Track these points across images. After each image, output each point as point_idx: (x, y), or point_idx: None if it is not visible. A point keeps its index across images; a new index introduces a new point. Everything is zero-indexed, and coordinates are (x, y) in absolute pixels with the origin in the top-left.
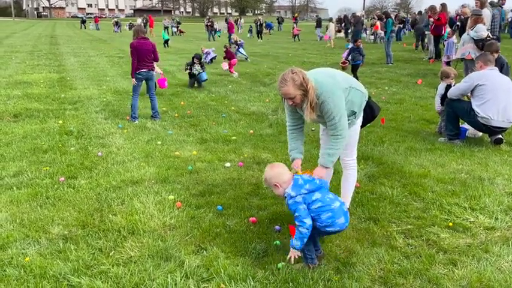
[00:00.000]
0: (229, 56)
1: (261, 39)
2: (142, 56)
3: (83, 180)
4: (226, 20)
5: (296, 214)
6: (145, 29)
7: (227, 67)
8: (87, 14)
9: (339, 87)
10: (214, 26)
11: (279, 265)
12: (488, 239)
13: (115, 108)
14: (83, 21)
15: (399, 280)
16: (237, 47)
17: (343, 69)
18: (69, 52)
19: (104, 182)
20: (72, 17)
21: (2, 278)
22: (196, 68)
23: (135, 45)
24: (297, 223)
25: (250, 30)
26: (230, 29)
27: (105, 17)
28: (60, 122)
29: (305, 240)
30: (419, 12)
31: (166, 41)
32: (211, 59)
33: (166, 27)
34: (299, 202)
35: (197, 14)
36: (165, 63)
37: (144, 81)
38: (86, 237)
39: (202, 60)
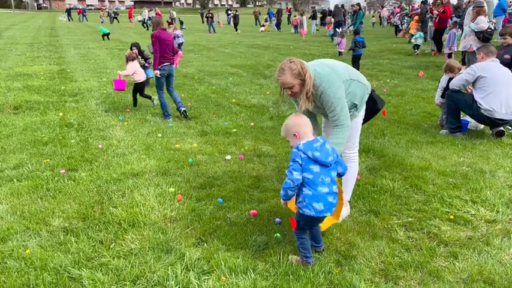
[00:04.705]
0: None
1: (238, 30)
2: (165, 47)
3: (84, 172)
4: (226, 12)
5: (291, 163)
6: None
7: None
8: (88, 5)
9: (338, 78)
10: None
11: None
12: (489, 231)
13: (115, 101)
14: (69, 13)
15: (400, 273)
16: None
17: (340, 54)
18: (69, 44)
19: (105, 174)
20: (71, 8)
21: (3, 270)
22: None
23: (158, 35)
24: (286, 172)
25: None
26: None
27: (105, 9)
28: (61, 114)
29: (289, 193)
30: (424, 2)
31: (105, 34)
32: (179, 44)
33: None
34: (299, 157)
35: (198, 6)
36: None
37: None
38: (86, 229)
39: (146, 51)
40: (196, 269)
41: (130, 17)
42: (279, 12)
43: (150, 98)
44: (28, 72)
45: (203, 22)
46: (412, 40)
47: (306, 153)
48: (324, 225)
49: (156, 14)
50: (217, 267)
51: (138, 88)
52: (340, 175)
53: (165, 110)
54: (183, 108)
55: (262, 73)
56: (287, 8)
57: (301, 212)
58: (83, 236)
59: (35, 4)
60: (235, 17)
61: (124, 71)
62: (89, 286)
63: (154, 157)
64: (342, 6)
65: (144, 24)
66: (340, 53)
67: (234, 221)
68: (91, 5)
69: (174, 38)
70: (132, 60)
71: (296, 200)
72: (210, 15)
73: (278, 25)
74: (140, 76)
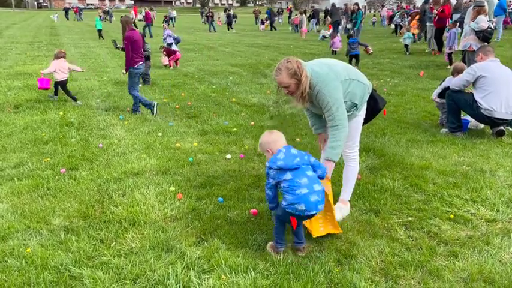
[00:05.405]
0: (168, 52)
1: (232, 29)
2: (138, 47)
3: (84, 171)
4: (225, 11)
5: (267, 181)
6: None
7: (167, 62)
8: (88, 4)
9: (335, 78)
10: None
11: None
12: (490, 231)
13: (116, 100)
14: (66, 11)
15: (400, 272)
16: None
17: (334, 53)
18: (70, 43)
19: (105, 173)
20: (69, 8)
21: (4, 269)
22: None
23: (132, 36)
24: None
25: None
26: (147, 19)
27: (105, 7)
28: (61, 113)
29: (270, 205)
30: (426, 1)
31: (99, 30)
32: (169, 44)
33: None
34: (270, 175)
35: (198, 5)
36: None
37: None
38: (87, 228)
39: (145, 43)
40: (197, 267)
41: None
42: (272, 12)
43: (74, 99)
44: (28, 71)
45: (203, 21)
46: (401, 40)
47: (273, 168)
48: (317, 233)
49: (146, 13)
50: (218, 266)
51: (59, 84)
52: (319, 177)
53: (147, 104)
54: (138, 113)
55: (262, 72)
56: (287, 7)
57: (286, 210)
58: (83, 235)
59: (35, 3)
60: (229, 16)
61: (47, 68)
62: (90, 285)
63: (155, 156)
64: (333, 5)
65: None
66: (334, 52)
67: (234, 220)
68: (91, 4)
69: (165, 38)
70: (58, 58)
71: (282, 204)
72: (210, 14)
73: (271, 24)
74: (61, 75)
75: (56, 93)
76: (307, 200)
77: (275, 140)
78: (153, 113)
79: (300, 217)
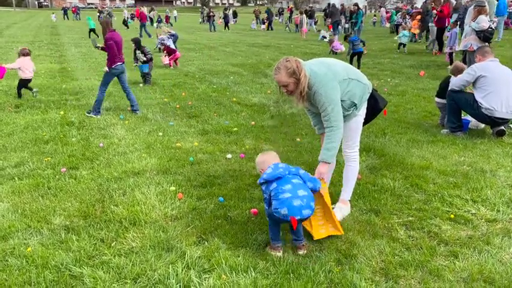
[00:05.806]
0: (169, 51)
1: (228, 29)
2: (120, 47)
3: (85, 171)
4: (224, 10)
5: (263, 196)
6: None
7: (167, 61)
8: (88, 4)
9: (333, 78)
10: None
11: None
12: (490, 231)
13: (116, 99)
14: (65, 11)
15: (400, 272)
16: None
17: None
18: (70, 42)
19: (106, 172)
20: (71, 7)
21: (4, 268)
22: (138, 57)
23: (113, 37)
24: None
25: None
26: (142, 19)
27: (106, 7)
28: (62, 112)
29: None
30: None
31: (92, 30)
32: (160, 47)
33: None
34: (263, 190)
35: (198, 4)
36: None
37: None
38: (87, 227)
39: (143, 46)
40: (197, 267)
41: (137, 16)
42: (271, 12)
43: (31, 89)
44: None
45: (203, 21)
46: (396, 38)
47: (261, 182)
48: (319, 235)
49: (140, 13)
50: (218, 265)
51: (23, 83)
52: (312, 190)
53: (97, 106)
54: (138, 112)
55: (263, 72)
56: (288, 7)
57: (274, 215)
58: (84, 234)
59: (36, 2)
60: (226, 16)
61: (11, 64)
62: (90, 284)
63: (155, 156)
64: (333, 5)
65: (125, 24)
66: (335, 53)
67: (234, 219)
68: (92, 4)
69: (160, 42)
70: (24, 55)
71: (272, 208)
72: (212, 13)
73: (269, 24)
74: (25, 74)
75: (19, 96)
76: (290, 204)
77: (268, 161)
78: (89, 113)
79: (286, 221)
